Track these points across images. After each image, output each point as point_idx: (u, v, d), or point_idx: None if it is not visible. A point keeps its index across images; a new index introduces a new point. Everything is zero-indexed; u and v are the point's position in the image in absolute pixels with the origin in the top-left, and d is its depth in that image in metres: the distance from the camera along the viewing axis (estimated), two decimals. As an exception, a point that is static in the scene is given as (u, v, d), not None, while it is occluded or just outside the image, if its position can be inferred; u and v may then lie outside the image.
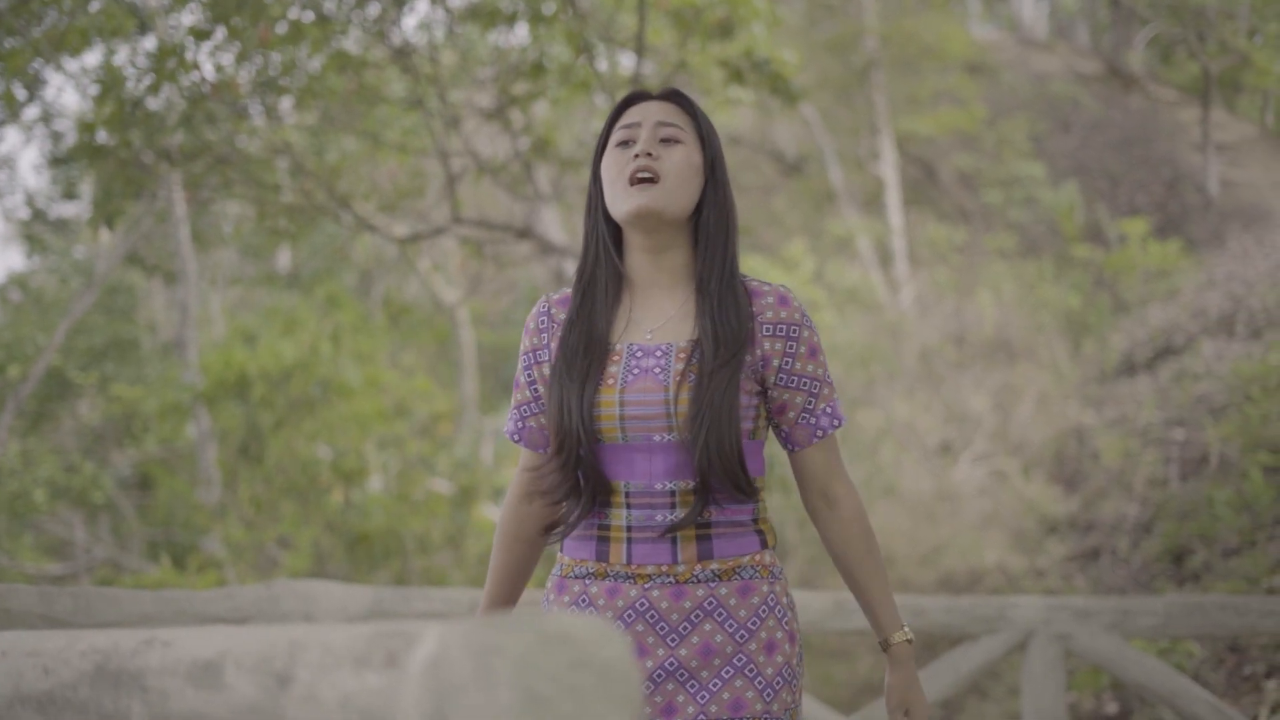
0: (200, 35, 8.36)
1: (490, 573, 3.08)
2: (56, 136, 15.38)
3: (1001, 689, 10.88)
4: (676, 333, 2.87)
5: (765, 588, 2.84)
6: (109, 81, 8.86)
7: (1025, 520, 13.05)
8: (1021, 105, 21.91)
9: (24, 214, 17.18)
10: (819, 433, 2.91)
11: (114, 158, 8.94)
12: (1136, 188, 19.70)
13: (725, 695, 2.78)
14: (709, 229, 2.92)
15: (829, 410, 2.92)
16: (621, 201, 2.87)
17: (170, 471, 17.77)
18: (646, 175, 2.86)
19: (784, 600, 2.88)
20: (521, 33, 9.29)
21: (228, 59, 8.68)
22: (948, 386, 15.00)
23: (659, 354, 2.83)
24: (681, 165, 2.89)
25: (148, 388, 16.27)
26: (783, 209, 20.77)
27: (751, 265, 16.66)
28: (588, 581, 2.84)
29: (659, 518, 2.79)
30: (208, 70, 8.63)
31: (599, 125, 9.65)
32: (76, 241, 21.58)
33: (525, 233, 9.45)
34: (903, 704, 2.95)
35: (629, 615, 2.79)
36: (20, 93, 12.54)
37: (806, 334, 2.90)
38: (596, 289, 2.93)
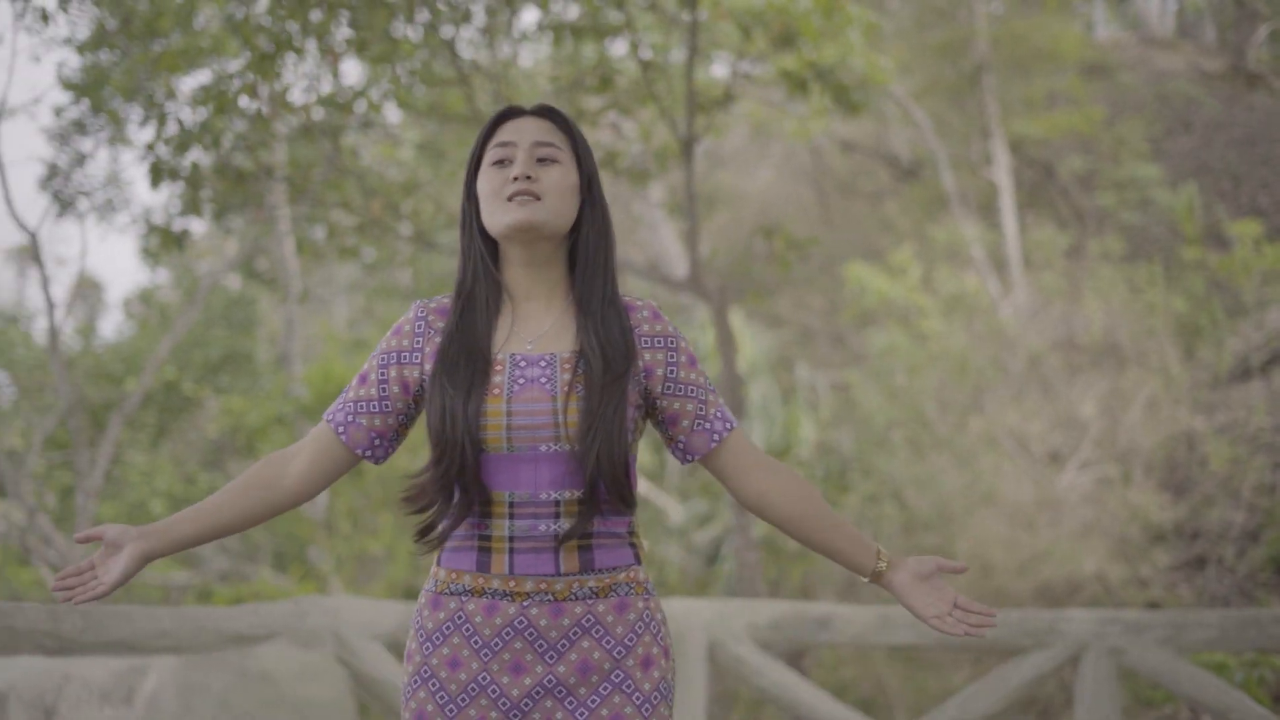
0: (264, 66, 8.50)
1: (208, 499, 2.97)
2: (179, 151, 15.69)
3: (1062, 699, 10.73)
4: (557, 343, 2.90)
5: (640, 604, 2.89)
6: (209, 98, 9.02)
7: (1129, 528, 12.82)
8: (1140, 105, 21.54)
9: (142, 229, 17.54)
10: (715, 437, 2.94)
11: (194, 176, 9.13)
12: (1259, 187, 19.26)
13: (604, 711, 2.81)
14: (588, 248, 2.97)
15: (719, 415, 2.97)
16: (500, 216, 2.89)
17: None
18: (526, 198, 2.88)
19: (658, 616, 2.93)
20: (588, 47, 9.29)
21: (287, 78, 8.82)
22: (1056, 392, 14.78)
23: (543, 364, 2.86)
24: (559, 184, 2.92)
25: (251, 401, 16.54)
26: (894, 215, 20.60)
27: (857, 272, 16.55)
28: (464, 598, 2.86)
29: (543, 527, 2.82)
30: (268, 91, 8.78)
31: (663, 138, 9.65)
32: (198, 256, 22.00)
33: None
34: (926, 579, 2.89)
35: (507, 633, 2.82)
36: (136, 112, 12.84)
37: (684, 344, 2.98)
38: (477, 301, 2.95)
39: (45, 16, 10.45)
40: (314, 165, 10.15)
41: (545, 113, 3.01)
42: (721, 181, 23.00)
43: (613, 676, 2.82)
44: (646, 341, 2.93)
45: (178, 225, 10.77)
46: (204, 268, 22.24)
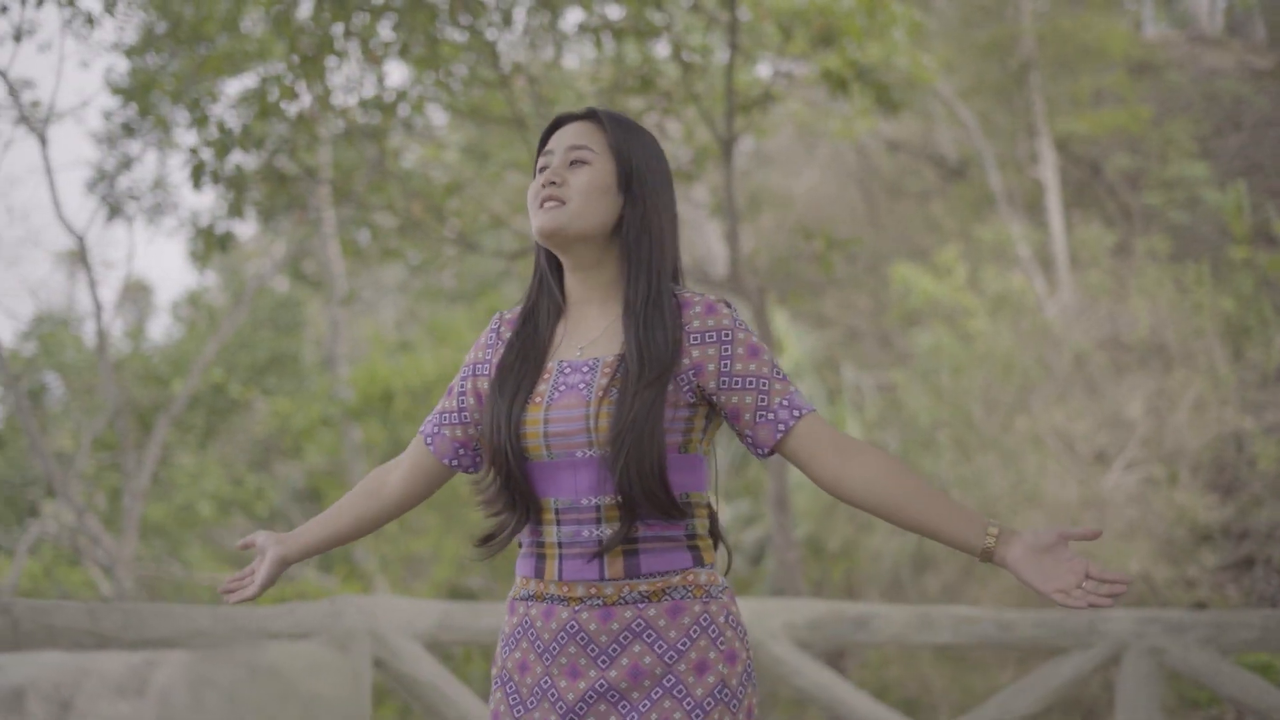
0: (307, 68, 8.54)
1: (330, 507, 3.19)
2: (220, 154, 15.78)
3: (1107, 699, 10.67)
4: (605, 347, 2.90)
5: (698, 608, 2.83)
6: (251, 101, 9.07)
7: (1175, 529, 12.74)
8: (1188, 103, 21.38)
9: (189, 232, 17.66)
10: (781, 426, 2.84)
11: (238, 177, 9.19)
12: (1310, 185, 19.08)
13: (654, 717, 2.78)
14: (629, 246, 2.94)
15: (785, 403, 2.85)
16: (532, 224, 2.94)
17: (336, 483, 18.14)
18: (552, 204, 2.91)
19: (721, 619, 2.85)
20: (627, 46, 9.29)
21: (329, 81, 8.86)
22: (1102, 392, 14.70)
23: (585, 369, 2.86)
24: (584, 187, 2.92)
25: (296, 402, 16.62)
26: (940, 214, 20.52)
27: (903, 273, 16.50)
28: (529, 604, 2.90)
29: (585, 533, 2.82)
30: (310, 94, 8.83)
31: (705, 138, 9.64)
32: (245, 258, 22.13)
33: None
34: (1047, 551, 2.64)
35: (562, 637, 2.83)
36: (183, 115, 12.93)
37: (741, 336, 2.88)
38: (539, 310, 3.00)
39: (90, 21, 10.54)
40: (357, 168, 10.20)
41: (588, 115, 3.03)
42: (768, 182, 22.96)
43: (664, 681, 2.78)
44: (696, 338, 2.87)
45: (221, 228, 10.83)
46: (251, 270, 22.36)
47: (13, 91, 12.55)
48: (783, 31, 8.19)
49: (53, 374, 19.87)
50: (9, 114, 12.90)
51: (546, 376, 2.88)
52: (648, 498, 2.77)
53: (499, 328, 3.05)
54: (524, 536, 2.95)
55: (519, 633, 2.90)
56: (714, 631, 2.83)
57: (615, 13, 9.05)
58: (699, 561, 2.87)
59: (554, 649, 2.83)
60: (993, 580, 12.74)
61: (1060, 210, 18.45)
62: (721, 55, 8.70)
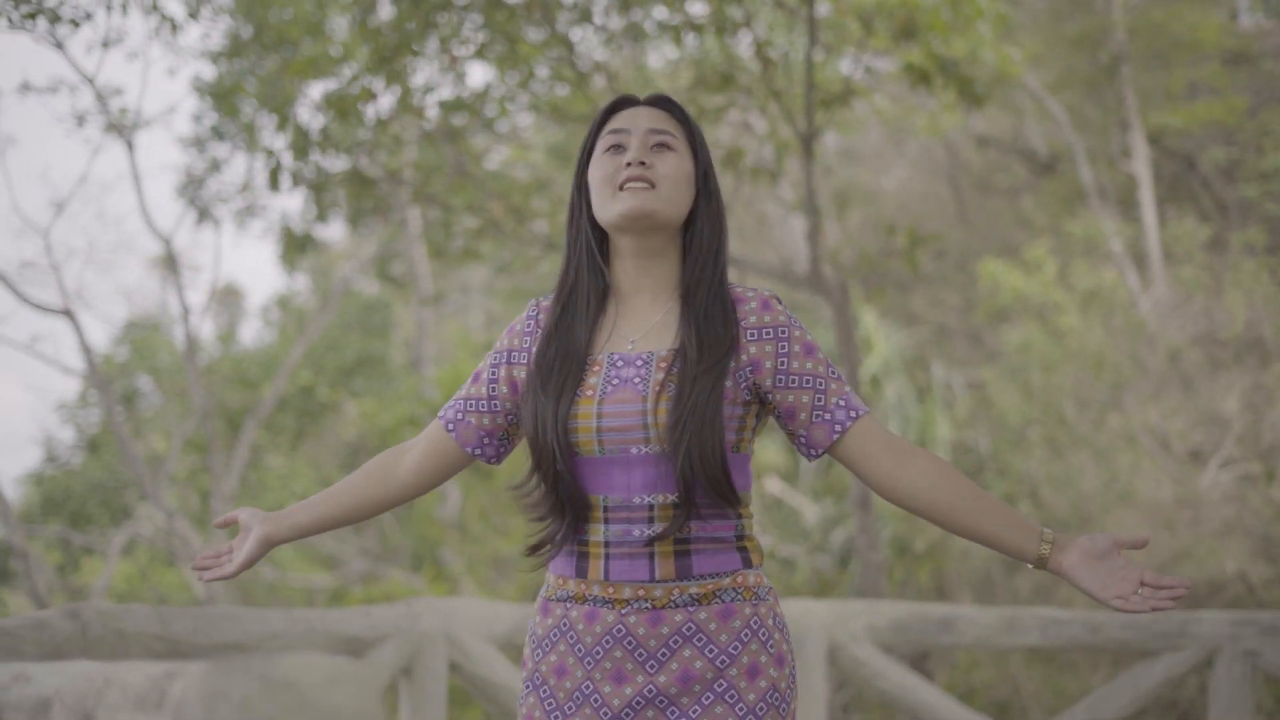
0: (389, 69, 8.54)
1: (327, 489, 3.06)
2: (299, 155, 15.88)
3: (1204, 702, 10.47)
4: (659, 341, 2.81)
5: (748, 610, 2.76)
6: (330, 103, 9.09)
7: (1273, 528, 12.50)
8: (1286, 94, 21.00)
9: (277, 235, 17.82)
10: (837, 427, 2.78)
11: (316, 179, 9.22)
12: None
13: None
14: (701, 240, 2.86)
15: (842, 403, 2.79)
16: (612, 205, 2.81)
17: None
18: (639, 184, 2.80)
19: (769, 622, 2.79)
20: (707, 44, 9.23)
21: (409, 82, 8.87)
22: (1196, 389, 14.46)
23: (639, 363, 2.78)
24: (674, 173, 2.83)
25: (384, 403, 16.67)
26: (1030, 210, 20.29)
27: (991, 269, 16.31)
28: (568, 605, 2.79)
29: (636, 532, 2.73)
30: (388, 99, 8.85)
31: (788, 135, 9.54)
32: (333, 260, 22.28)
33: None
34: (1102, 559, 2.63)
35: (607, 641, 2.75)
36: (268, 119, 13.02)
37: (797, 333, 2.82)
38: (578, 299, 2.88)
39: (174, 26, 10.62)
40: (438, 169, 10.19)
41: (660, 102, 2.94)
42: (856, 179, 22.83)
43: (715, 686, 2.72)
44: (753, 334, 2.80)
45: (301, 229, 10.89)
46: (340, 273, 22.53)
47: (101, 98, 12.70)
48: (864, 25, 8.09)
49: (146, 378, 20.11)
50: (98, 121, 12.98)
51: (596, 369, 2.79)
52: (711, 486, 2.69)
53: (536, 314, 2.93)
54: None
55: (555, 635, 2.80)
56: (764, 634, 2.77)
57: (696, 9, 8.97)
58: (747, 563, 2.81)
59: (597, 653, 2.75)
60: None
61: (1153, 204, 18.19)
62: (802, 51, 8.62)
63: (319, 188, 9.75)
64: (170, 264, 13.07)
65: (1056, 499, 13.80)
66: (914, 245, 8.75)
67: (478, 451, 2.95)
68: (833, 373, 2.83)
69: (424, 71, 9.32)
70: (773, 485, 16.41)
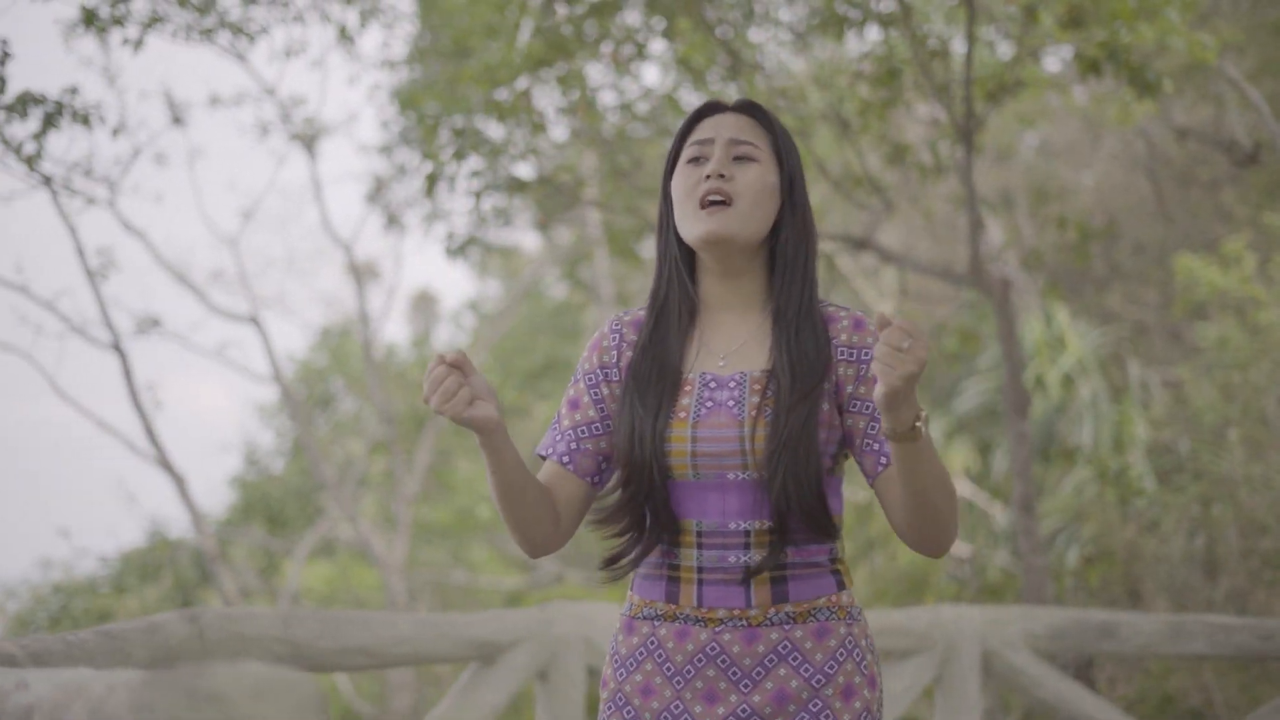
0: (567, 77, 8.59)
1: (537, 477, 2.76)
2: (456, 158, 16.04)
3: None
4: (751, 360, 2.73)
5: (843, 630, 2.70)
6: (491, 108, 9.14)
7: None
8: None
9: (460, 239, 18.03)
10: (883, 460, 2.67)
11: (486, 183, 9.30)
12: None
13: None
14: (787, 253, 2.77)
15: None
16: (691, 225, 2.73)
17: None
18: (717, 199, 2.70)
19: (863, 643, 2.73)
20: (871, 37, 9.07)
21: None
22: None
23: (733, 385, 2.70)
24: (755, 186, 2.73)
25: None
26: (1231, 203, 19.70)
27: (1186, 264, 15.87)
28: (657, 623, 2.72)
29: (732, 559, 2.66)
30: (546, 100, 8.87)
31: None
32: (524, 264, 22.47)
33: (864, 243, 9.22)
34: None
35: (699, 659, 2.68)
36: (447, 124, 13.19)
37: (870, 357, 2.71)
38: (670, 313, 2.79)
39: (344, 33, 10.80)
40: (598, 172, 10.21)
41: (746, 108, 2.83)
42: (1053, 174, 22.43)
43: (810, 706, 2.65)
44: (843, 352, 2.71)
45: (465, 233, 11.02)
46: (526, 275, 22.78)
47: (283, 108, 12.96)
48: (1026, 11, 7.87)
49: (341, 382, 20.52)
50: (282, 131, 13.26)
51: (688, 389, 2.70)
52: (806, 517, 2.63)
53: (620, 329, 2.84)
54: (649, 557, 2.75)
55: (642, 653, 2.72)
56: (858, 655, 2.71)
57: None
58: (841, 585, 2.75)
59: (688, 672, 2.68)
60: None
61: (1364, 194, 17.55)
62: (963, 42, 8.45)
63: (512, 189, 9.78)
64: (354, 271, 13.28)
65: (1255, 500, 13.36)
66: (1085, 239, 8.51)
67: (595, 480, 2.79)
68: None
69: (597, 73, 9.36)
70: (963, 487, 16.15)
